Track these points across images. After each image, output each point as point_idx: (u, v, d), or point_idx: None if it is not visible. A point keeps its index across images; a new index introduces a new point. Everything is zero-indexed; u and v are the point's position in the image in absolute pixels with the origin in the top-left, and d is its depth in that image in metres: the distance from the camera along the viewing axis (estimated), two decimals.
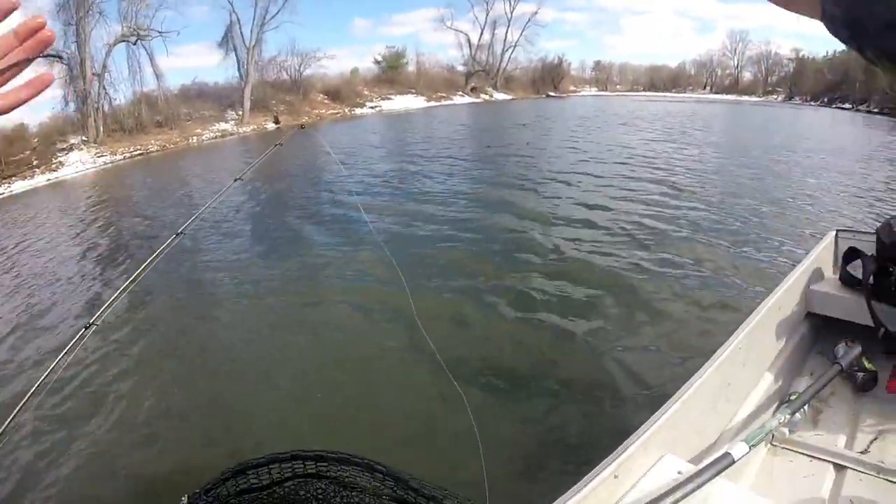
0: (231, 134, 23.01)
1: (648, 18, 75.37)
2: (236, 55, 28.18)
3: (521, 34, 45.57)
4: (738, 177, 9.95)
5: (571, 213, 7.43)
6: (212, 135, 22.11)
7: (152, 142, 20.23)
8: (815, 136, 18.54)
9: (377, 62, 40.04)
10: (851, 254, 2.24)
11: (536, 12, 45.41)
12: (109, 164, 18.64)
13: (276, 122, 26.17)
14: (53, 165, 18.10)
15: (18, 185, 16.48)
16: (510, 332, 4.20)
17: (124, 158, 18.98)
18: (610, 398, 3.31)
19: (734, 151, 13.75)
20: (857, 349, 1.95)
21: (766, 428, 1.59)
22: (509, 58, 46.41)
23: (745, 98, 48.66)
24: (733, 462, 1.33)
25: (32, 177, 17.39)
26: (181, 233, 2.18)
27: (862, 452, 1.82)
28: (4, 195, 15.48)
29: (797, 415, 1.86)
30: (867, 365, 2.04)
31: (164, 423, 3.33)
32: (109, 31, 22.81)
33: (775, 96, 49.06)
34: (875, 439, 1.92)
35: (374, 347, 4.00)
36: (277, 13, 28.84)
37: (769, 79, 52.69)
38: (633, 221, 6.89)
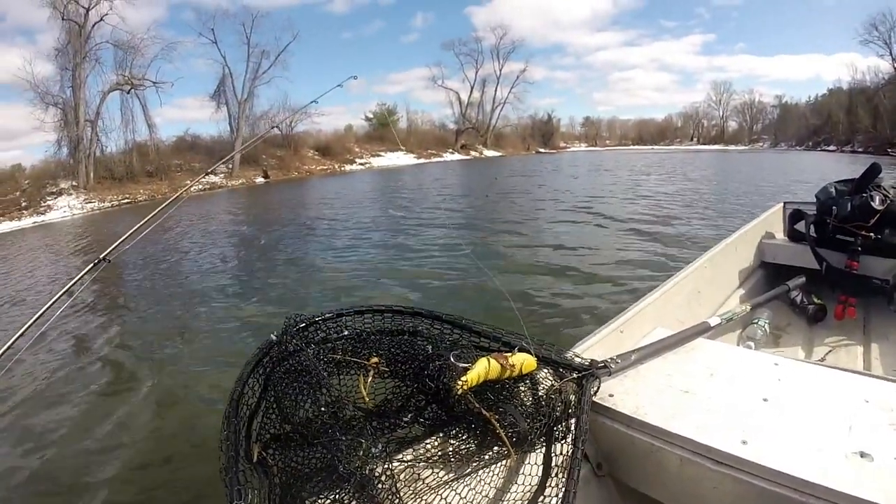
0: (220, 187, 23.93)
1: (634, 74, 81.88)
2: (228, 109, 29.57)
3: (510, 92, 47.56)
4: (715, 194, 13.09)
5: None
6: (200, 187, 22.95)
7: (141, 191, 21.04)
8: (793, 168, 21.75)
9: (368, 119, 41.45)
10: (796, 215, 2.69)
11: (524, 70, 47.78)
12: (97, 211, 19.29)
13: (266, 176, 27.23)
14: (42, 208, 18.75)
15: (5, 226, 16.94)
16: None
17: (112, 206, 19.69)
18: (615, 290, 4.98)
19: (721, 179, 17.48)
20: (802, 278, 2.38)
21: (735, 310, 1.85)
22: (499, 115, 48.07)
23: (732, 147, 49.55)
24: (710, 328, 1.57)
25: (20, 218, 17.89)
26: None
27: (820, 360, 2.08)
28: None
29: (759, 332, 2.18)
30: (816, 300, 2.44)
31: None
32: (105, 78, 24.07)
33: (761, 143, 50.00)
34: (829, 352, 2.18)
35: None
36: (270, 68, 30.69)
37: (754, 127, 53.83)
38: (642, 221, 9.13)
